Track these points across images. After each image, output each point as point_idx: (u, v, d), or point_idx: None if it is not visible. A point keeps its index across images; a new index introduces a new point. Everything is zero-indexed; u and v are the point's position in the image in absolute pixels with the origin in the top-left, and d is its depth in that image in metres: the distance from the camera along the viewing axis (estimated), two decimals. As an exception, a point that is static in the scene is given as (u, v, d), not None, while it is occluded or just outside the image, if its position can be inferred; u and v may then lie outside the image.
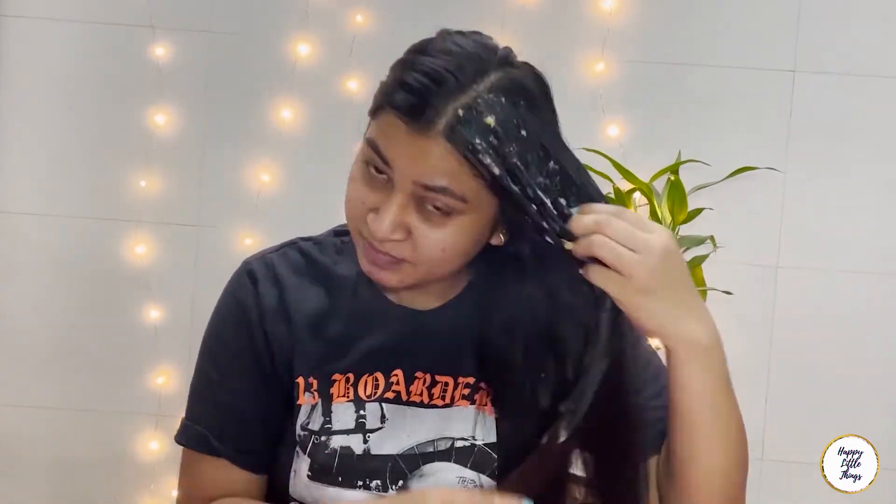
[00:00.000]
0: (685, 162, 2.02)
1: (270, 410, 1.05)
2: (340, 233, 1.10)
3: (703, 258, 1.92)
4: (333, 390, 1.03)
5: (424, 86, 0.89)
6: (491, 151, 0.88)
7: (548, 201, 0.89)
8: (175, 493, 1.40)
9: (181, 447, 1.07)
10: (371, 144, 0.92)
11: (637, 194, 1.99)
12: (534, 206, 0.88)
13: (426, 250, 0.93)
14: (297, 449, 1.03)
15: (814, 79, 2.17)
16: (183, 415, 1.08)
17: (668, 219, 1.91)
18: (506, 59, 0.95)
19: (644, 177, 1.96)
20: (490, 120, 0.88)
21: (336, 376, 1.03)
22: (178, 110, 2.22)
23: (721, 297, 1.98)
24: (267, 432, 1.05)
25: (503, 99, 0.90)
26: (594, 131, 2.15)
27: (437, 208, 0.91)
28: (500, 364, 1.00)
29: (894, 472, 1.96)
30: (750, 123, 2.18)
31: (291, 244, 1.09)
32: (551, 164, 0.92)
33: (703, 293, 1.95)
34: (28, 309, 2.24)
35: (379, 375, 1.03)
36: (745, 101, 2.18)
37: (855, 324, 2.18)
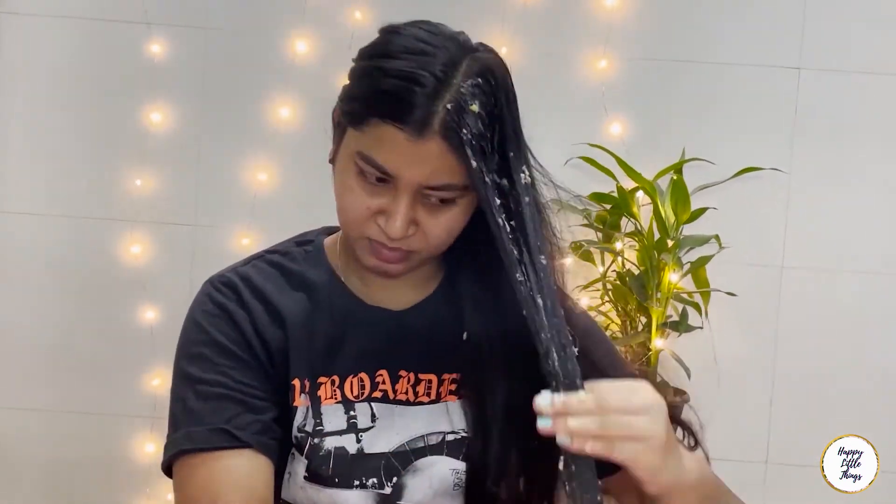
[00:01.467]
0: (689, 160, 2.02)
1: (276, 403, 1.03)
2: (302, 243, 1.11)
3: (707, 259, 1.92)
4: (321, 393, 1.04)
5: (407, 90, 0.90)
6: (481, 137, 0.91)
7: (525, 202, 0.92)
8: (170, 497, 1.39)
9: (171, 467, 1.00)
10: (365, 159, 0.93)
11: (640, 193, 1.98)
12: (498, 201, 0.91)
13: (434, 238, 0.97)
14: (294, 451, 1.04)
15: (819, 76, 2.17)
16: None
17: (672, 218, 1.90)
18: (467, 45, 0.98)
19: (648, 175, 1.96)
20: (475, 107, 0.91)
21: (322, 379, 1.04)
22: (174, 108, 2.21)
23: (725, 298, 1.97)
24: (276, 419, 1.02)
25: (480, 81, 0.93)
26: (597, 129, 2.15)
27: (441, 200, 0.95)
28: (475, 356, 1.03)
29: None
30: (754, 121, 2.18)
31: (259, 257, 1.10)
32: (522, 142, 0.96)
33: (707, 294, 1.95)
34: (21, 310, 2.24)
35: (364, 376, 1.05)
36: (749, 99, 2.18)
37: (861, 324, 2.18)
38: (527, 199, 0.92)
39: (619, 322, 1.96)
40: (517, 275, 0.90)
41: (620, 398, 0.85)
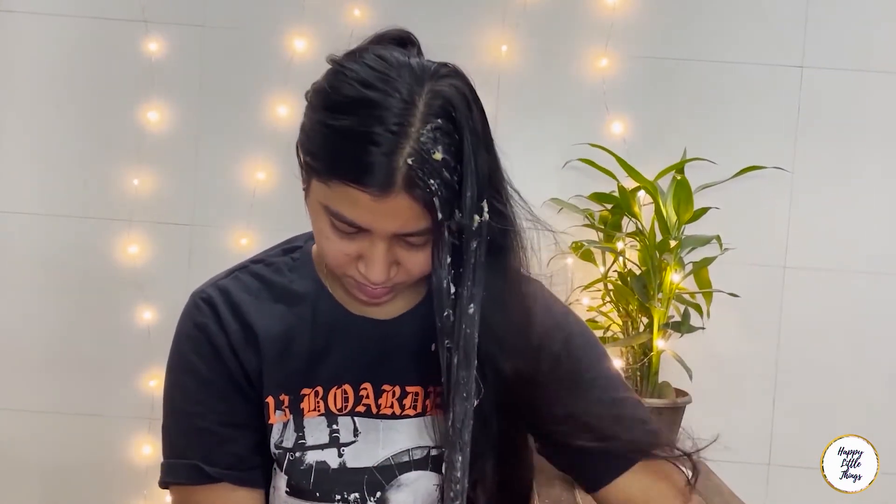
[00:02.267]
0: (691, 160, 2.02)
1: (256, 424, 1.05)
2: (289, 250, 1.11)
3: (710, 260, 1.92)
4: (304, 405, 1.04)
5: (364, 151, 0.87)
6: (446, 185, 0.89)
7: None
8: (168, 500, 1.40)
9: (170, 489, 1.07)
10: (335, 215, 0.92)
11: (642, 193, 1.98)
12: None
13: (417, 270, 0.97)
14: (275, 466, 1.05)
15: (822, 74, 2.17)
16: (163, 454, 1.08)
17: (674, 218, 1.90)
18: (421, 74, 0.91)
19: (649, 175, 1.95)
20: (437, 154, 0.88)
21: (305, 391, 1.04)
22: (172, 107, 2.21)
23: (727, 298, 1.97)
24: (258, 446, 1.06)
25: (440, 123, 0.88)
26: (598, 128, 2.15)
27: (418, 239, 0.94)
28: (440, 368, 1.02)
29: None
30: (757, 120, 2.17)
31: (242, 268, 1.10)
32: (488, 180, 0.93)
33: (709, 295, 1.94)
34: (17, 311, 2.24)
35: (348, 388, 1.05)
36: (751, 98, 2.18)
37: (866, 325, 2.17)
38: (475, 242, 0.92)
39: (620, 322, 1.96)
40: (443, 338, 0.93)
41: None
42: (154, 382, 2.21)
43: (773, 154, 2.14)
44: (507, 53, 2.15)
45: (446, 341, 0.94)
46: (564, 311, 1.12)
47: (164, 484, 1.07)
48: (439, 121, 0.88)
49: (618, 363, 1.97)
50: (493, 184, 0.94)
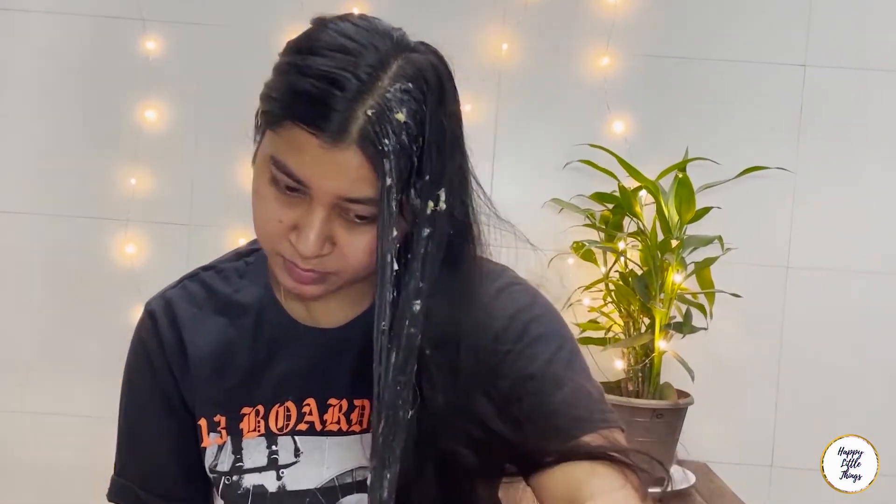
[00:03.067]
0: (693, 160, 2.01)
1: (192, 451, 1.04)
2: (244, 254, 1.09)
3: (713, 260, 1.91)
4: (243, 425, 1.00)
5: (326, 92, 0.82)
6: (402, 151, 0.83)
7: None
8: None
9: None
10: (278, 164, 0.87)
11: (643, 193, 1.98)
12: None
13: (353, 258, 0.89)
14: (214, 489, 1.03)
15: (825, 73, 2.17)
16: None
17: (676, 218, 1.90)
18: (403, 43, 0.88)
19: (650, 175, 1.95)
20: (401, 115, 0.82)
21: (245, 409, 1.01)
22: (170, 105, 2.21)
23: (729, 299, 1.97)
24: (191, 474, 1.05)
25: (411, 86, 0.84)
26: (598, 127, 2.14)
27: (361, 216, 0.87)
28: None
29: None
30: (759, 119, 2.17)
31: (192, 276, 1.08)
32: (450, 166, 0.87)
33: (712, 295, 1.94)
34: (12, 311, 2.24)
35: (290, 405, 1.00)
36: (754, 97, 2.17)
37: (868, 325, 2.17)
38: (426, 230, 0.85)
39: (621, 323, 1.95)
40: (381, 321, 0.83)
41: None
42: (151, 383, 2.20)
43: (775, 153, 2.14)
44: (507, 52, 2.14)
45: (382, 338, 0.84)
46: (525, 306, 1.00)
47: (109, 498, 1.10)
48: (410, 84, 0.84)
49: (619, 364, 1.97)
50: (456, 174, 0.88)
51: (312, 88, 0.82)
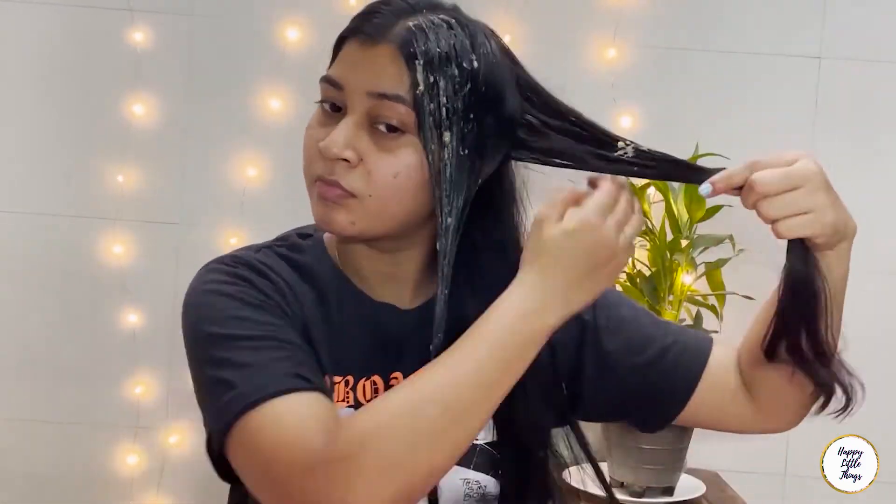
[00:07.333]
0: (703, 155, 2.01)
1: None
2: (303, 235, 1.08)
3: (725, 261, 1.91)
4: (334, 395, 1.02)
5: (376, 6, 0.97)
6: (437, 64, 0.94)
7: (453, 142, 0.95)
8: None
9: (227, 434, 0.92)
10: (325, 78, 0.98)
11: (651, 190, 1.98)
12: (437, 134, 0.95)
13: (378, 178, 0.94)
14: None
15: (841, 66, 2.16)
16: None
17: (685, 216, 1.90)
18: (457, 9, 1.02)
19: (659, 171, 1.95)
20: (443, 42, 0.94)
21: (336, 378, 1.02)
22: (158, 100, 2.20)
23: (742, 302, 1.96)
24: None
25: (456, 23, 0.97)
26: (606, 122, 2.10)
27: (389, 127, 0.94)
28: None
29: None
30: (773, 113, 2.17)
31: (265, 247, 1.05)
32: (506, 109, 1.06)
33: (723, 298, 1.94)
34: (-4, 313, 2.23)
35: (377, 379, 1.04)
36: (767, 90, 2.17)
37: (886, 327, 2.16)
38: (446, 156, 0.94)
39: (629, 326, 1.95)
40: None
41: (773, 157, 1.01)
42: (140, 389, 2.20)
43: (788, 148, 2.10)
44: (511, 43, 2.13)
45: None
46: None
47: (241, 412, 0.88)
48: (458, 28, 0.97)
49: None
50: (511, 134, 1.10)
51: (367, 9, 0.98)
